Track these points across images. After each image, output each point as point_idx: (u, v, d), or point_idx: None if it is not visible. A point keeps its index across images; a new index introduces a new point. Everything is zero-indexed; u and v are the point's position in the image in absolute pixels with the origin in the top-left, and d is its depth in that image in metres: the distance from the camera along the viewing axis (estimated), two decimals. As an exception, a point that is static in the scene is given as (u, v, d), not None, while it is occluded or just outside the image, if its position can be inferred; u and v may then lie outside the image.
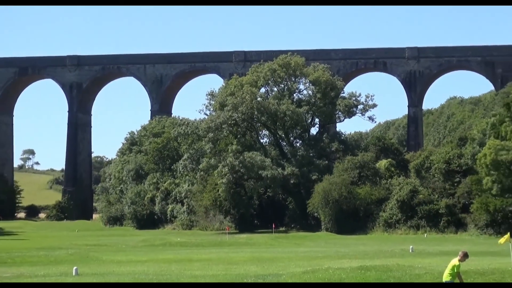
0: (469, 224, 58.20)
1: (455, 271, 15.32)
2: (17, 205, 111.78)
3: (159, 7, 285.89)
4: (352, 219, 63.37)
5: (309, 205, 65.23)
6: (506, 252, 27.59)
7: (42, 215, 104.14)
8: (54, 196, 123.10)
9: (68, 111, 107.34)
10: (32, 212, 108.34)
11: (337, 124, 79.87)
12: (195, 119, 79.28)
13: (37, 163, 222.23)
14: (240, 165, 67.02)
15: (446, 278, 15.42)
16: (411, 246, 39.27)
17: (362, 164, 66.16)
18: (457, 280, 15.37)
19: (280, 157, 72.17)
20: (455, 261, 15.46)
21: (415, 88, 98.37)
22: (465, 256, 15.46)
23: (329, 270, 23.45)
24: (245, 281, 22.13)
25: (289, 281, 21.86)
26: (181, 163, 75.94)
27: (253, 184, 67.89)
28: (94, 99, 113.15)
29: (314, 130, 78.08)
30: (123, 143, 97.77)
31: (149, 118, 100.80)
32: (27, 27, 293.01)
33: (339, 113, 75.13)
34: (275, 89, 75.05)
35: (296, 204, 69.52)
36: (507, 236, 26.93)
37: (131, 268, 28.48)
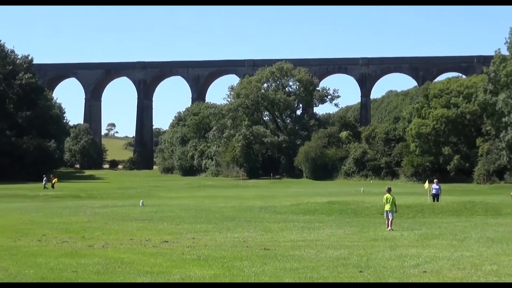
0: (400, 174, 58.96)
1: (390, 200, 15.44)
2: (103, 159, 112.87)
3: (196, 28, 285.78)
4: (323, 170, 63.83)
5: (295, 161, 66.67)
6: (425, 193, 27.60)
7: (120, 166, 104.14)
8: (128, 154, 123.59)
9: (137, 98, 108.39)
10: (113, 164, 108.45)
11: (314, 108, 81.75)
12: (221, 104, 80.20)
13: (117, 132, 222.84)
14: (250, 134, 70.26)
15: (386, 208, 15.49)
16: (362, 189, 39.30)
17: (330, 134, 67.74)
18: (393, 208, 15.43)
19: (276, 129, 74.80)
20: (386, 195, 15.62)
21: (366, 84, 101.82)
22: (389, 190, 15.79)
23: (308, 203, 23.43)
24: (252, 210, 22.13)
25: (281, 211, 21.80)
26: (211, 133, 77.88)
27: (258, 147, 70.92)
28: (154, 90, 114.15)
29: (298, 112, 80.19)
30: (173, 119, 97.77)
31: (190, 103, 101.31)
32: (111, 39, 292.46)
33: (315, 100, 78.35)
34: (273, 84, 77.00)
35: (287, 160, 70.95)
36: (427, 183, 26.97)
37: (178, 201, 28.53)
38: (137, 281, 7.87)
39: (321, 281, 7.89)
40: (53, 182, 42.21)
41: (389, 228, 15.09)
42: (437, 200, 24.16)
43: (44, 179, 42.79)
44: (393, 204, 15.50)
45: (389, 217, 15.36)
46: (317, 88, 77.39)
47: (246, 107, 72.51)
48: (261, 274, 8.44)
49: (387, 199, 15.60)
